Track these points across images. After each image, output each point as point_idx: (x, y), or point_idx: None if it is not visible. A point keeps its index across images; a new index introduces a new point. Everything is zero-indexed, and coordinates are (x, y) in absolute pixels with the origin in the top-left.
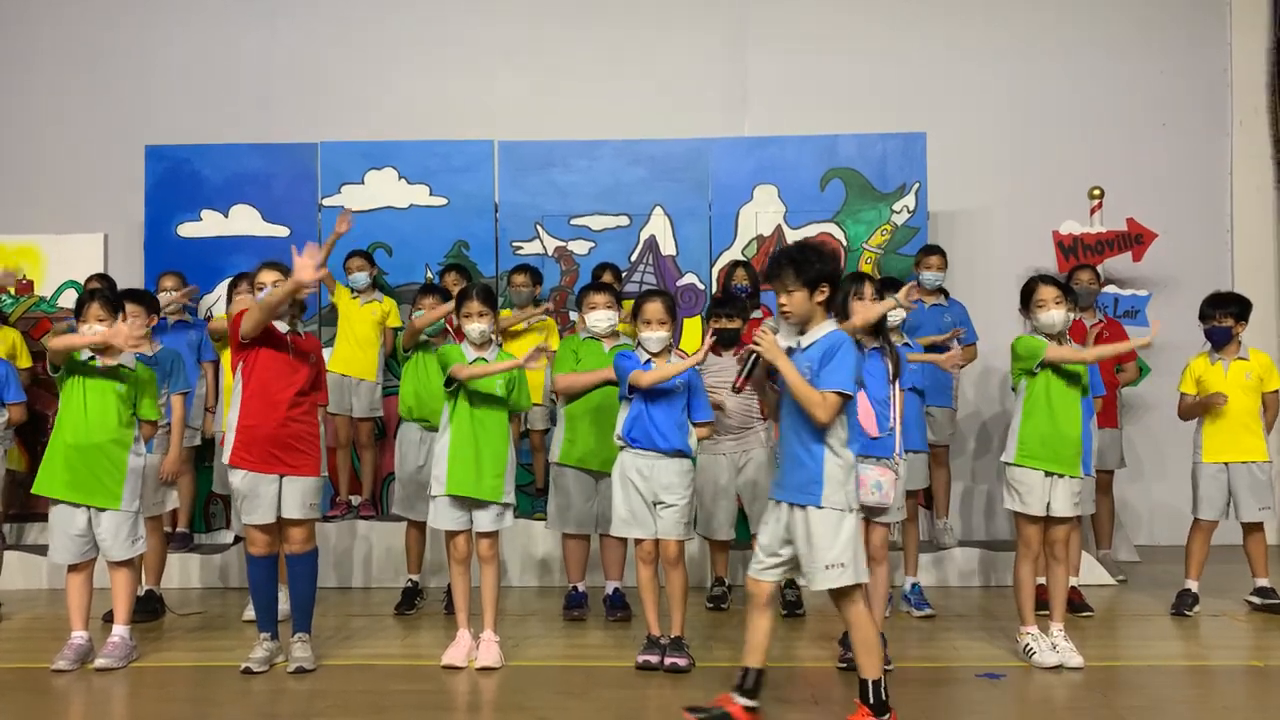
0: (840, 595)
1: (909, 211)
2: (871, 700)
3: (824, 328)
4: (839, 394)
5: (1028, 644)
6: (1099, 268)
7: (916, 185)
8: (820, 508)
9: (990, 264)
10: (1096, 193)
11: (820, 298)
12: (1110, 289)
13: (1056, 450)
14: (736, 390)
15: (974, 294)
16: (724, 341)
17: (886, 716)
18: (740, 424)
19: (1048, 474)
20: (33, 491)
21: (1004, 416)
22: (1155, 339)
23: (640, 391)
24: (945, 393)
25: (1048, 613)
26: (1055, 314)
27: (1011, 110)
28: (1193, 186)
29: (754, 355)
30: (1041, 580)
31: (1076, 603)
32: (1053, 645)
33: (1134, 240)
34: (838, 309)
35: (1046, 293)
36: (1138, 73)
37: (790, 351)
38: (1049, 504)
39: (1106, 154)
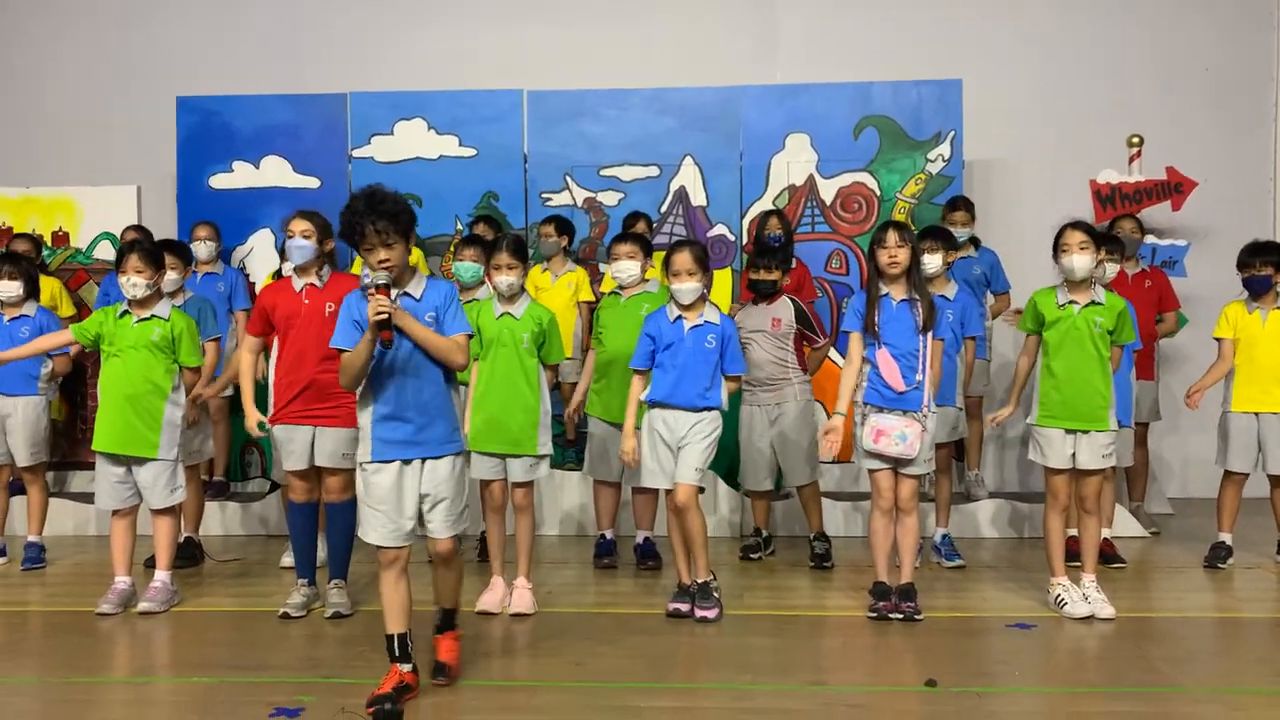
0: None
1: (944, 160)
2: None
3: (423, 277)
4: (468, 336)
5: (1059, 594)
6: (1139, 216)
7: (952, 134)
8: (459, 454)
9: (1026, 213)
10: (1135, 140)
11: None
12: (1149, 239)
13: (1076, 408)
14: None
15: (1009, 243)
16: (760, 293)
17: (408, 666)
18: (772, 375)
19: (1069, 431)
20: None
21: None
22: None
23: (668, 354)
24: (979, 344)
25: (1080, 564)
26: (1076, 260)
27: (1049, 56)
28: (1234, 133)
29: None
30: (1073, 532)
31: (1109, 554)
32: (1084, 596)
33: (1173, 189)
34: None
35: (1071, 237)
36: (1178, 16)
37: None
38: (1074, 456)
39: (1146, 101)
